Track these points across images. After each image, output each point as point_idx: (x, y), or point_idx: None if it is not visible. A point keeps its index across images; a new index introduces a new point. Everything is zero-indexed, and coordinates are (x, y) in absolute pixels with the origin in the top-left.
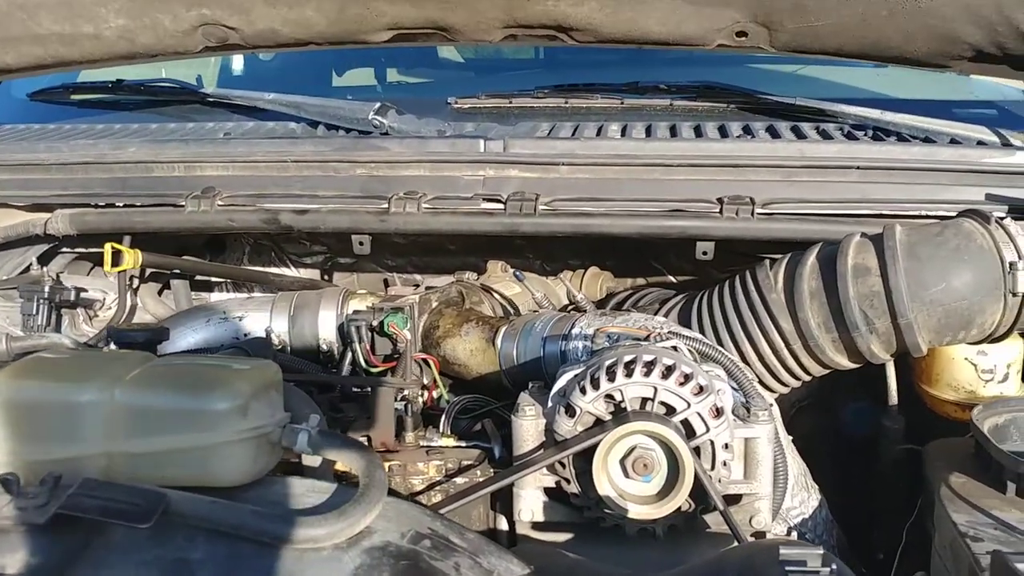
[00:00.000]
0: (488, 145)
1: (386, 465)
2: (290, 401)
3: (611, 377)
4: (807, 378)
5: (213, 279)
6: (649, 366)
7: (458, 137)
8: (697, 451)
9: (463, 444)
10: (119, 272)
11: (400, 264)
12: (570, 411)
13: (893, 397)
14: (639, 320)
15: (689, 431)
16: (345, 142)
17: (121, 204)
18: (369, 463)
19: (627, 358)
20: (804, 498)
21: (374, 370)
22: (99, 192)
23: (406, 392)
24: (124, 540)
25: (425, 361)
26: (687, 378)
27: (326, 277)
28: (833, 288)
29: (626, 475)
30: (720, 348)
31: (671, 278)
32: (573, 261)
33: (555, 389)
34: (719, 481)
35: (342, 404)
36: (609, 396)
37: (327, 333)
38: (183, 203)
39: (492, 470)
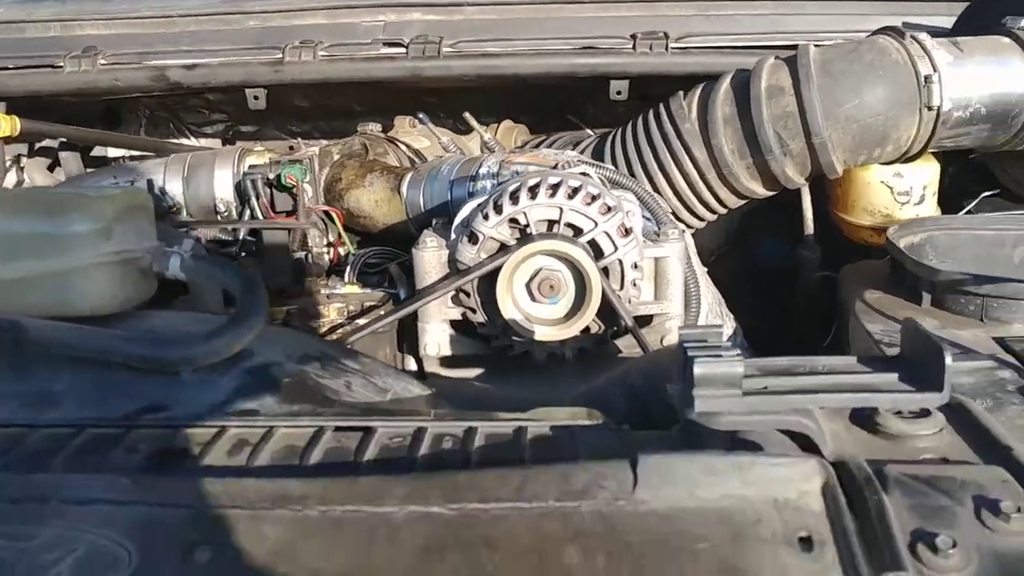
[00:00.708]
0: None
1: (283, 309)
2: (166, 235)
3: (515, 201)
4: (722, 211)
5: (110, 154)
6: (554, 188)
7: None
8: (605, 272)
9: (368, 290)
10: None
11: (305, 130)
12: (473, 238)
13: (809, 226)
14: (548, 155)
15: (597, 252)
16: None
17: None
18: (246, 284)
19: (531, 182)
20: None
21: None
22: None
23: (309, 242)
24: None
25: (328, 214)
26: (593, 199)
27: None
28: (747, 112)
29: (532, 298)
30: (632, 178)
31: (588, 131)
32: (486, 117)
33: (458, 220)
34: (628, 302)
35: (240, 257)
36: (513, 220)
37: (224, 192)
38: (61, 63)
39: (390, 299)
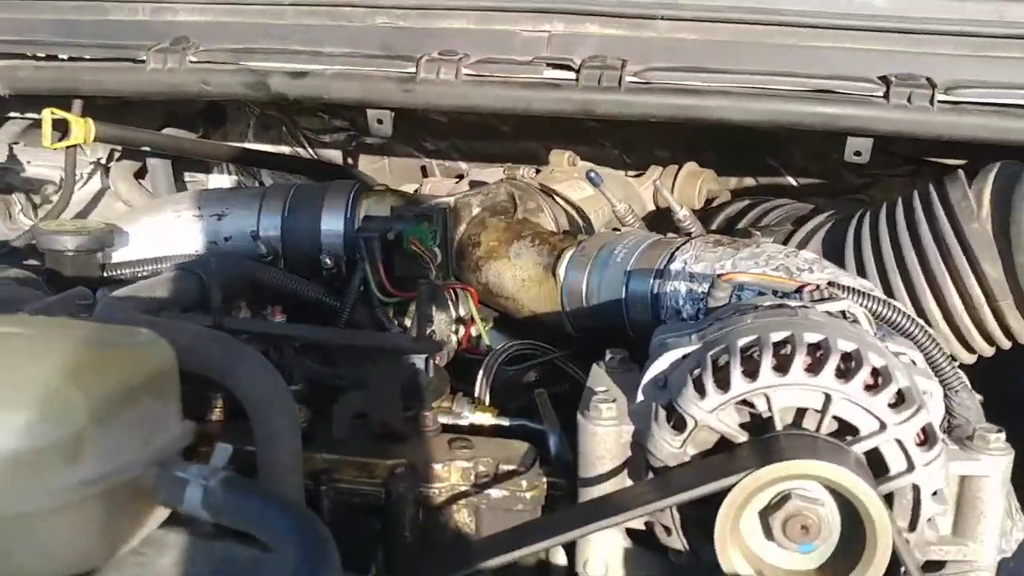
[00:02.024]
0: None
1: (388, 463)
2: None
3: (751, 376)
4: (1007, 345)
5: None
6: (817, 357)
7: None
8: (889, 500)
9: (505, 422)
10: (66, 148)
11: (441, 148)
12: (678, 423)
13: None
14: (775, 255)
15: (878, 467)
16: None
17: (65, 56)
18: (306, 546)
19: (775, 337)
20: (1009, 530)
21: (389, 300)
22: (39, 39)
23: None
24: None
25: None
26: (880, 379)
27: (349, 161)
28: None
29: (770, 538)
30: (911, 314)
31: (791, 180)
32: (661, 152)
33: (650, 374)
34: (917, 547)
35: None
36: (746, 402)
37: (332, 242)
38: (144, 57)
39: (544, 482)
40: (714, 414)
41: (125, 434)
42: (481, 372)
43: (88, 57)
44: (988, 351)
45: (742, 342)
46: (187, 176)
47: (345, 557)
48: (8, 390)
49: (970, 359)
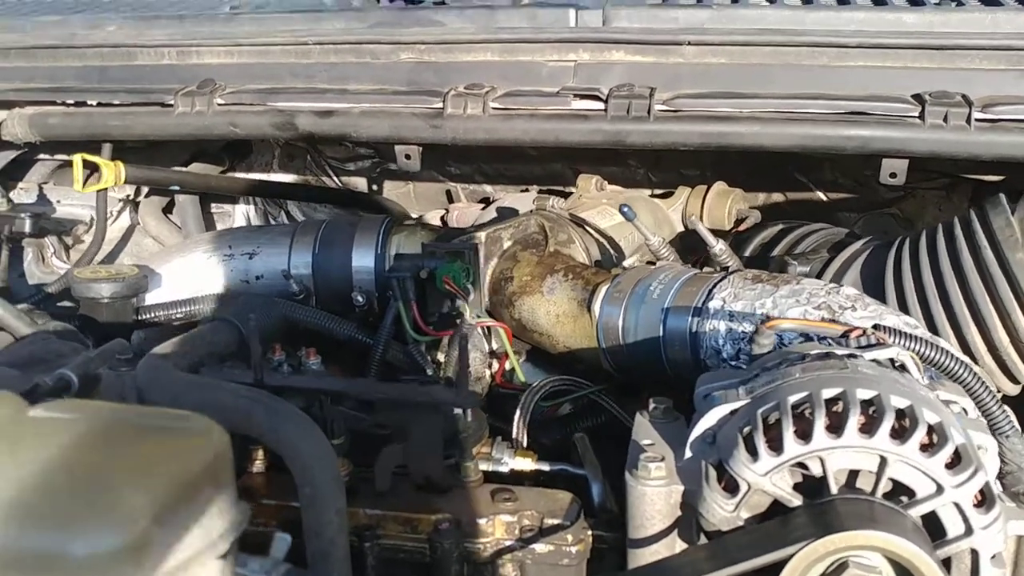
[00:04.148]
0: (582, 17)
1: (432, 518)
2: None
3: (804, 438)
4: None
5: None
6: (871, 413)
7: (539, 6)
8: (947, 563)
9: (545, 467)
10: (97, 191)
11: (465, 172)
12: (730, 484)
13: None
14: (816, 293)
15: (935, 531)
16: (386, 16)
17: (94, 103)
18: None
19: (827, 393)
20: None
21: (423, 339)
22: (68, 86)
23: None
24: None
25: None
26: (936, 438)
27: (375, 187)
28: None
29: None
30: (959, 355)
31: (821, 195)
32: (689, 171)
33: (698, 429)
34: None
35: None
36: (800, 464)
37: (363, 279)
38: (172, 101)
39: (590, 535)
40: (767, 477)
41: (186, 529)
42: (518, 412)
43: (117, 103)
44: None
45: (793, 399)
46: (214, 207)
47: None
48: (68, 493)
49: (1014, 391)
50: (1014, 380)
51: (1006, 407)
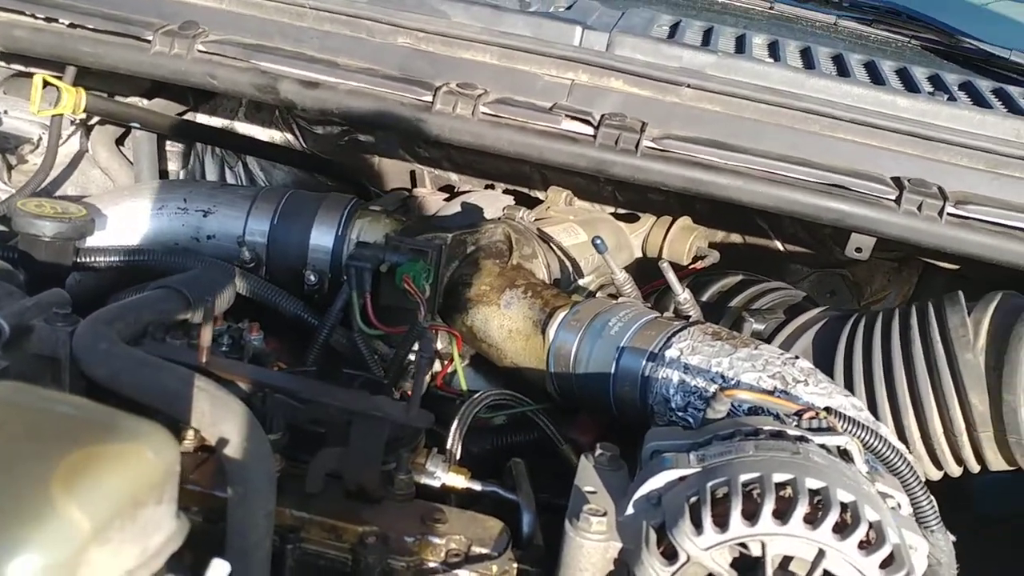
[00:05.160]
0: (587, 37)
1: (359, 529)
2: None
3: (750, 515)
4: (976, 470)
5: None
6: (816, 503)
7: (546, 16)
8: None
9: (477, 487)
10: (52, 116)
11: (434, 156)
12: (668, 550)
13: None
14: (772, 361)
15: None
16: None
17: (66, 22)
18: None
19: (777, 479)
20: None
21: (372, 332)
22: None
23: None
24: None
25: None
26: (874, 536)
27: (338, 156)
28: None
29: None
30: (899, 448)
31: (779, 244)
32: (655, 197)
33: (644, 489)
34: None
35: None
36: (742, 544)
37: (319, 257)
38: (150, 37)
39: (515, 568)
40: (708, 552)
41: (123, 546)
42: (456, 423)
43: (91, 27)
44: (957, 472)
45: (744, 478)
46: (170, 145)
47: None
48: (7, 501)
49: (937, 476)
50: (939, 467)
51: (931, 497)
